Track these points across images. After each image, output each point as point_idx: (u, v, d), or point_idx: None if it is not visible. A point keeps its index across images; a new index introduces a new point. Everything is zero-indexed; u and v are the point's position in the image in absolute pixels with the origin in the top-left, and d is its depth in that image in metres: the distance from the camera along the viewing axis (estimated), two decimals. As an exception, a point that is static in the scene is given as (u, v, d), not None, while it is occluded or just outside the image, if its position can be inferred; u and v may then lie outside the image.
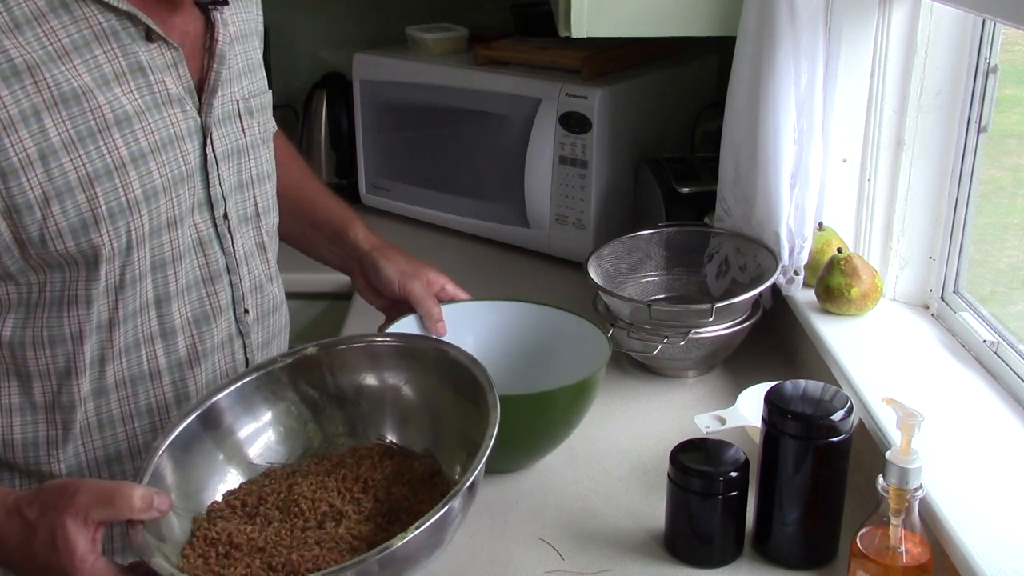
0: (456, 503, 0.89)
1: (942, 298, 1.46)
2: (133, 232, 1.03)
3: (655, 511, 1.19)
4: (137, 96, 1.03)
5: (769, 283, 1.47)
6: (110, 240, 1.02)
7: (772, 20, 1.41)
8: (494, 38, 2.09)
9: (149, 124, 1.04)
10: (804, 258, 1.50)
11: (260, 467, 1.08)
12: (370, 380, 1.13)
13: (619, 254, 1.62)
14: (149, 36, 1.04)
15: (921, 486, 0.98)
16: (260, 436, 1.10)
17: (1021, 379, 1.24)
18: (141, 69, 1.03)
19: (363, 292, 1.40)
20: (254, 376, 1.10)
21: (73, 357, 1.06)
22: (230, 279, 1.17)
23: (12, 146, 0.94)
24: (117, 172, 1.01)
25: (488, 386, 1.02)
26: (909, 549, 0.99)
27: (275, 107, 1.28)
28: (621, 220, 1.89)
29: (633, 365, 1.56)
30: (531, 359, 1.39)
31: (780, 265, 1.49)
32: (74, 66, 0.98)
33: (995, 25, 1.33)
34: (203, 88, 1.11)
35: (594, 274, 1.54)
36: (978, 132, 1.38)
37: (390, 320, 1.35)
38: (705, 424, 1.27)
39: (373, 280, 1.36)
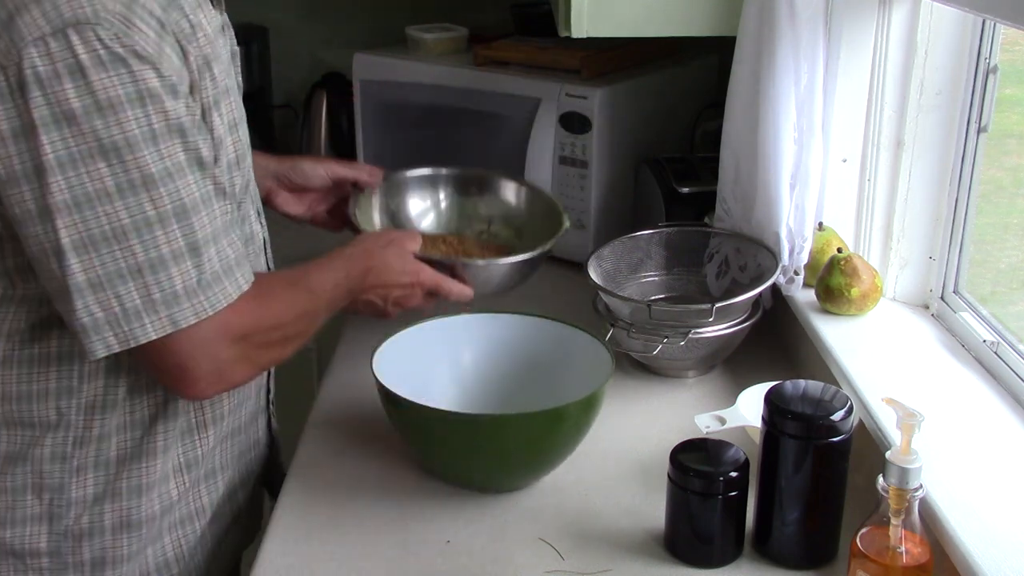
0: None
1: (942, 298, 1.46)
2: (244, 178, 1.20)
3: (655, 511, 1.19)
4: (230, 73, 1.19)
5: (769, 283, 1.47)
6: (237, 181, 1.17)
7: (772, 20, 1.41)
8: (494, 38, 2.09)
9: (237, 99, 1.21)
10: (804, 258, 1.50)
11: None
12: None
13: (619, 254, 1.62)
14: (213, 3, 1.17)
15: (921, 486, 0.98)
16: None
17: (1021, 379, 1.24)
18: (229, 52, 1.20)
19: (285, 206, 1.51)
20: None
21: None
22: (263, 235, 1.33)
23: (203, 90, 1.09)
24: (235, 129, 1.16)
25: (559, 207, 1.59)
26: (909, 549, 0.99)
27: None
28: (621, 220, 1.89)
29: (633, 365, 1.56)
30: (530, 373, 1.38)
31: (780, 265, 1.49)
32: (205, 33, 1.10)
33: (995, 25, 1.33)
34: None
35: (594, 274, 1.54)
36: (978, 132, 1.38)
37: (332, 210, 1.55)
38: (705, 424, 1.27)
39: (296, 178, 1.49)
